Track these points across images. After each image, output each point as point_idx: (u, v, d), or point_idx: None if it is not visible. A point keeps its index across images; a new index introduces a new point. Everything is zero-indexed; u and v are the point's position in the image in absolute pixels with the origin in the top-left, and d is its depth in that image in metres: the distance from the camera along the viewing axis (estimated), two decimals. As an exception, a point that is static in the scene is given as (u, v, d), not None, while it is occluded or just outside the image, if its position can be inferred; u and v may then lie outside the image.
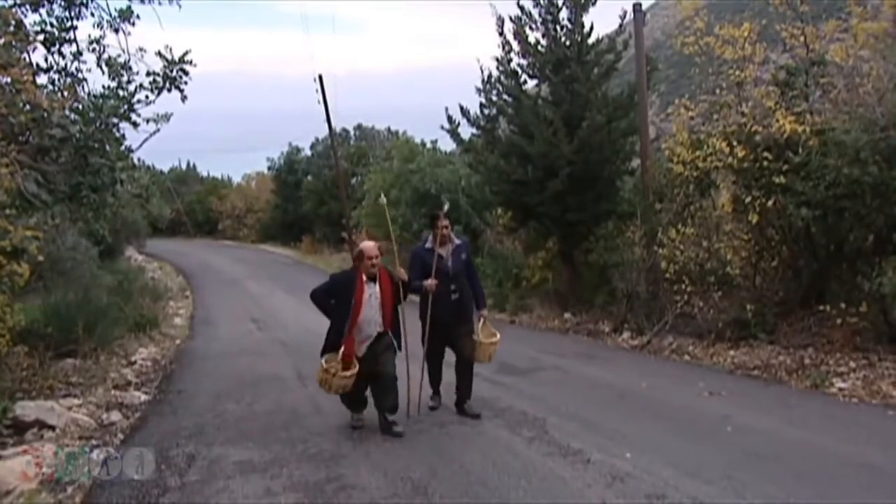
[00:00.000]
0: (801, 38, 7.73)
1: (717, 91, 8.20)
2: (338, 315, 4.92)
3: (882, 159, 6.08)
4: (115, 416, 5.95)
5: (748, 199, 7.22)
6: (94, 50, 6.66)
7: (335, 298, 4.94)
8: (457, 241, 5.47)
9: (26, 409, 5.44)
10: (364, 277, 4.90)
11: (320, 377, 4.95)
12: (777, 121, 7.01)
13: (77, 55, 6.62)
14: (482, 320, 5.43)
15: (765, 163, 7.02)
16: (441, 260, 5.29)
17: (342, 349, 4.84)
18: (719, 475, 3.97)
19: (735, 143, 7.33)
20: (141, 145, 7.13)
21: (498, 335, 5.39)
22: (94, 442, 5.25)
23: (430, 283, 5.14)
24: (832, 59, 7.40)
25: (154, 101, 6.73)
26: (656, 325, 8.15)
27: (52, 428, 5.33)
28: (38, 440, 5.10)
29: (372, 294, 4.92)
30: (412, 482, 4.07)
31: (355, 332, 4.86)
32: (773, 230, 7.64)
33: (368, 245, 5.05)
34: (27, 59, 6.30)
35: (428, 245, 5.44)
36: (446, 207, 5.49)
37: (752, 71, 7.90)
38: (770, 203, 6.97)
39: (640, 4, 9.64)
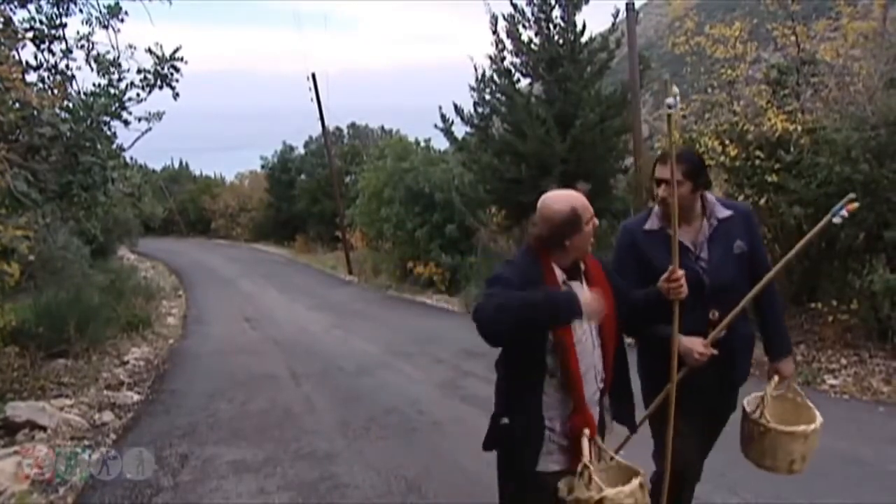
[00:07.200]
0: (792, 37, 7.76)
1: (709, 90, 8.23)
2: (520, 351, 2.17)
3: (872, 157, 6.12)
4: (108, 416, 5.93)
5: (741, 198, 7.25)
6: (83, 47, 6.62)
7: None
8: (720, 214, 2.52)
9: (17, 410, 5.40)
10: (557, 270, 2.24)
11: None
12: (769, 119, 7.04)
13: (67, 52, 6.58)
14: (776, 378, 2.67)
15: (757, 161, 7.05)
16: (686, 254, 2.45)
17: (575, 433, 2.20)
18: (712, 472, 3.97)
19: (727, 142, 7.35)
20: (133, 144, 7.12)
21: (819, 419, 2.63)
22: (86, 442, 5.23)
23: (698, 352, 2.44)
24: (823, 58, 7.44)
25: (145, 99, 6.71)
26: (649, 323, 8.17)
27: (44, 428, 5.30)
28: (29, 441, 5.07)
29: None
30: (406, 480, 4.07)
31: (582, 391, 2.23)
32: (765, 228, 7.68)
33: (579, 197, 2.24)
34: (16, 57, 6.25)
35: (652, 225, 2.60)
36: (673, 99, 2.20)
37: (744, 70, 7.93)
38: (762, 201, 7.00)
39: (633, 3, 9.68)
